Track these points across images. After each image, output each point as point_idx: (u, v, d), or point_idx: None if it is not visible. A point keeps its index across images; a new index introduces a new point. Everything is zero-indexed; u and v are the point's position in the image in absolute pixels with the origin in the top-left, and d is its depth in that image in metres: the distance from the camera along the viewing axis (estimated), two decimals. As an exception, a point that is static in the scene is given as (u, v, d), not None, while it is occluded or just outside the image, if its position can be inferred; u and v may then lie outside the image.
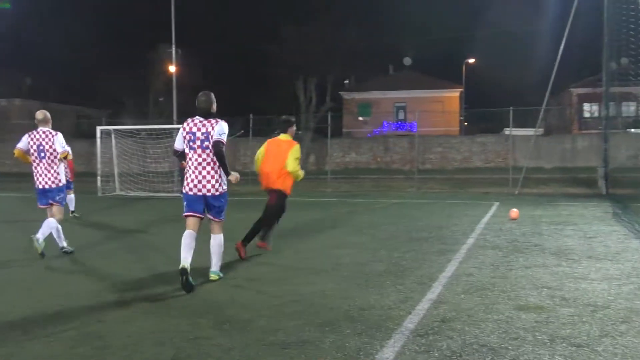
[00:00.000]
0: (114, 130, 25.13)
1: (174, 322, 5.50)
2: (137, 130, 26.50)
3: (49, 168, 8.91)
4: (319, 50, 41.30)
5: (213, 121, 7.01)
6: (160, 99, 53.77)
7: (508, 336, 5.01)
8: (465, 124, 68.93)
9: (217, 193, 7.05)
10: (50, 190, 8.96)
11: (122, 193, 24.11)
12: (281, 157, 8.81)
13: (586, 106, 52.44)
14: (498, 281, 7.03)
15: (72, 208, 14.93)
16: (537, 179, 28.15)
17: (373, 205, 18.34)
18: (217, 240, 7.28)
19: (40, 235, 8.74)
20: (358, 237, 10.97)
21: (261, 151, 9.13)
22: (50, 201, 9.01)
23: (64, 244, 9.30)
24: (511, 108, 24.57)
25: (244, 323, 5.46)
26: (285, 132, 9.27)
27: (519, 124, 57.33)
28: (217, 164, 6.98)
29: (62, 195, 9.05)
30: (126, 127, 25.55)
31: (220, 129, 6.96)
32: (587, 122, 52.05)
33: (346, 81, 57.96)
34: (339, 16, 42.37)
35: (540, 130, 43.56)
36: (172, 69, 41.55)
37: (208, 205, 7.11)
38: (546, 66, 31.70)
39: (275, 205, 9.02)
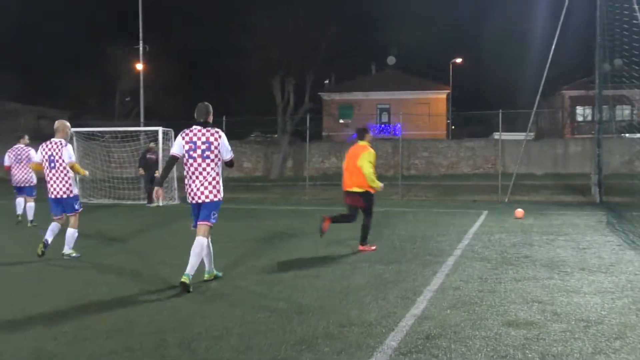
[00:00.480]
0: (76, 132, 24.87)
1: (137, 341, 5.43)
2: (101, 132, 26.25)
3: (60, 178, 9.84)
4: (297, 47, 41.36)
5: (213, 131, 7.84)
6: (127, 99, 53.44)
7: (496, 354, 5.02)
8: (453, 127, 69.36)
9: (215, 199, 7.80)
10: (61, 200, 9.91)
11: (84, 200, 23.87)
12: (357, 159, 10.47)
13: (579, 109, 53.02)
14: (486, 295, 7.05)
15: (30, 217, 14.75)
16: (527, 186, 28.40)
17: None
18: (199, 241, 7.73)
19: (66, 248, 10.04)
20: (337, 248, 10.96)
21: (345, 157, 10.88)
22: (63, 213, 10.02)
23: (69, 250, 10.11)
24: (500, 111, 24.71)
25: (213, 341, 5.41)
26: (362, 139, 10.90)
27: (509, 128, 57.75)
28: (216, 171, 7.79)
29: (75, 205, 10.04)
30: (89, 129, 25.28)
31: (227, 147, 7.87)
32: (580, 126, 52.64)
33: (326, 81, 58.05)
34: (318, 11, 42.52)
35: (531, 135, 44.01)
36: (140, 66, 41.27)
37: (199, 210, 7.82)
38: (537, 67, 32.01)
39: (367, 206, 10.78)
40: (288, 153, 44.50)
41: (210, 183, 7.77)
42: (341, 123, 53.50)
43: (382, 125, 56.10)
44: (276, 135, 45.99)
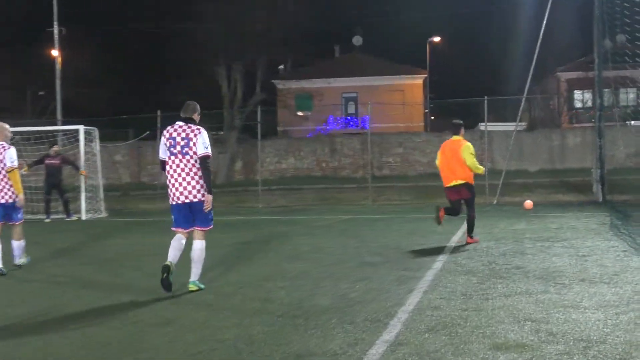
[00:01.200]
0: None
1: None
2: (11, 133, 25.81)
3: (2, 183, 10.85)
4: (244, 27, 41.25)
5: (194, 127, 8.77)
6: (41, 93, 52.71)
7: (482, 383, 5.06)
8: (432, 118, 70.05)
9: (203, 199, 8.72)
10: (3, 205, 10.88)
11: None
12: (457, 155, 12.85)
13: (577, 94, 53.81)
14: (471, 315, 7.11)
15: None
16: (519, 185, 28.76)
17: (316, 223, 18.36)
18: (198, 245, 8.85)
19: (17, 259, 11.22)
20: (296, 264, 10.96)
21: (438, 154, 13.38)
22: (5, 220, 10.98)
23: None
24: (486, 98, 24.98)
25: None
26: (457, 134, 13.52)
27: (497, 118, 58.57)
28: (198, 167, 8.64)
29: (18, 213, 11.02)
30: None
31: (203, 141, 8.66)
32: (578, 114, 53.48)
33: (281, 67, 58.05)
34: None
35: (523, 125, 44.59)
36: (55, 53, 40.68)
37: (194, 213, 8.81)
38: (528, 46, 32.42)
39: (470, 197, 13.02)
40: (236, 153, 44.36)
41: (197, 181, 8.69)
42: (299, 116, 53.58)
43: (348, 118, 56.32)
44: (222, 132, 45.77)
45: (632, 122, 43.13)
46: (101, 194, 23.03)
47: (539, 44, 23.12)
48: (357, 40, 62.38)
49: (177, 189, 8.71)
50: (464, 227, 15.95)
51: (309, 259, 11.39)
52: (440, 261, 10.76)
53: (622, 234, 13.57)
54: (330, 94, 53.71)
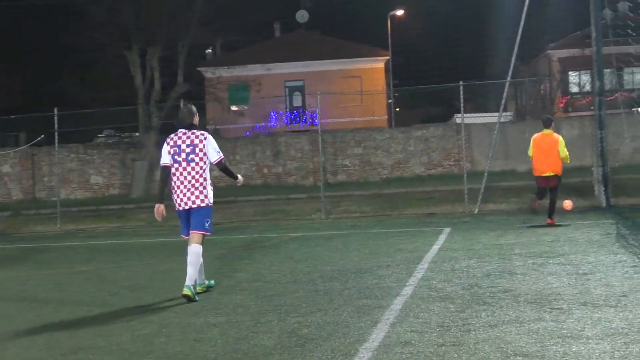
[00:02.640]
0: None
1: None
2: None
3: None
4: (158, 3, 41.04)
5: (198, 133, 10.70)
6: None
7: None
8: (397, 109, 70.38)
9: (203, 205, 10.70)
10: None
11: None
12: (554, 149, 17.65)
13: (572, 76, 54.47)
14: (449, 350, 7.15)
15: None
16: (505, 189, 28.98)
17: (257, 243, 18.31)
18: (193, 249, 10.62)
19: None
20: (232, 295, 10.92)
21: (533, 147, 18.00)
22: None
23: None
24: (461, 83, 25.15)
25: None
26: (549, 127, 18.13)
27: (477, 107, 59.20)
28: (203, 176, 10.67)
29: None
30: None
31: (213, 146, 10.73)
32: (575, 100, 54.17)
33: (208, 51, 57.86)
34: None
35: (508, 115, 45.05)
36: None
37: (190, 216, 10.76)
38: (512, 19, 32.75)
39: (558, 186, 18.04)
40: (156, 159, 43.95)
41: (197, 188, 10.65)
42: (233, 111, 53.43)
43: (294, 112, 56.36)
44: (137, 134, 45.44)
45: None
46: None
47: (523, 15, 23.31)
48: (302, 16, 62.41)
49: (181, 196, 10.72)
50: (441, 240, 16.13)
51: (248, 289, 11.36)
52: (410, 286, 10.79)
53: (630, 246, 13.76)
54: (270, 83, 53.68)
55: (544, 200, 18.36)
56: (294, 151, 44.69)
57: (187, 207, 10.70)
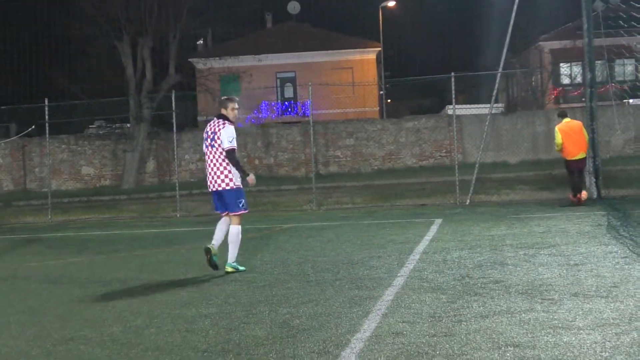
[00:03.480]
0: None
1: None
2: None
3: None
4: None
5: (221, 122, 11.97)
6: None
7: None
8: (388, 101, 70.42)
9: (228, 188, 11.90)
10: None
11: None
12: (581, 133, 20.56)
13: (564, 67, 54.58)
14: (441, 341, 7.14)
15: None
16: (497, 181, 29.08)
17: (248, 234, 18.25)
18: (232, 230, 11.97)
19: None
20: (224, 286, 10.92)
21: (561, 136, 20.27)
22: None
23: None
24: (453, 74, 25.16)
25: None
26: (565, 116, 20.80)
27: (468, 99, 59.25)
28: (226, 161, 11.80)
29: None
30: None
31: (228, 135, 11.79)
32: (566, 92, 54.26)
33: (200, 42, 57.73)
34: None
35: (499, 107, 45.09)
36: None
37: (222, 200, 12.04)
38: (504, 10, 32.78)
39: (585, 165, 20.90)
40: (147, 150, 43.98)
41: (221, 172, 11.90)
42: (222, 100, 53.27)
43: (286, 103, 56.31)
44: (128, 125, 45.35)
45: (631, 101, 43.82)
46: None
47: (515, 7, 23.33)
48: (294, 7, 62.40)
49: (209, 178, 12.07)
50: (433, 231, 16.14)
51: (239, 280, 11.35)
52: (402, 276, 10.80)
53: (621, 237, 13.77)
54: (261, 74, 53.65)
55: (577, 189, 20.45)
56: (286, 142, 44.68)
57: (213, 190, 12.01)
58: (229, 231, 12.02)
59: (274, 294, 10.00)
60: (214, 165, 11.92)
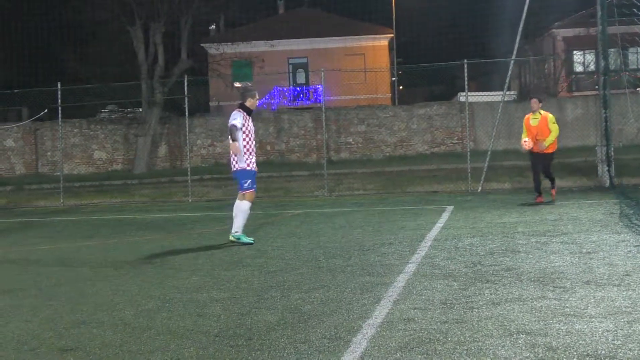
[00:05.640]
0: None
1: None
2: None
3: None
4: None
5: (235, 110, 13.74)
6: None
7: (468, 412, 5.08)
8: (400, 87, 70.30)
9: (234, 169, 13.65)
10: None
11: None
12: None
13: (577, 55, 54.33)
14: (452, 327, 7.15)
15: None
16: (509, 168, 28.97)
17: (260, 220, 18.31)
18: (237, 203, 13.65)
19: None
20: (235, 271, 10.93)
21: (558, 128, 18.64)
22: None
23: None
24: (465, 62, 25.09)
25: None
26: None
27: (481, 86, 59.07)
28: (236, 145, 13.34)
29: None
30: None
31: (232, 117, 13.52)
32: (579, 80, 54.04)
33: (212, 27, 57.68)
34: None
35: (512, 95, 44.99)
36: None
37: (235, 179, 13.91)
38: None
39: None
40: (159, 135, 44.02)
41: (232, 155, 13.58)
42: (237, 87, 53.21)
43: (297, 89, 56.26)
44: (140, 110, 45.39)
45: (644, 89, 43.67)
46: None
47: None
48: (306, -8, 62.32)
49: (230, 160, 13.75)
50: (444, 218, 16.14)
51: (250, 265, 11.36)
52: (413, 263, 10.80)
53: (634, 226, 13.76)
54: (274, 60, 53.55)
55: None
56: (297, 128, 44.67)
57: (232, 169, 13.73)
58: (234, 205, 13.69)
59: (285, 280, 10.01)
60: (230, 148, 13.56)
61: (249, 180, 13.54)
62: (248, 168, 13.57)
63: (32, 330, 7.86)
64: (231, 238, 13.63)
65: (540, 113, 18.08)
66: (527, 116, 18.55)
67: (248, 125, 13.71)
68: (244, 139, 13.55)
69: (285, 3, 64.45)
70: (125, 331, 7.69)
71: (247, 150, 13.61)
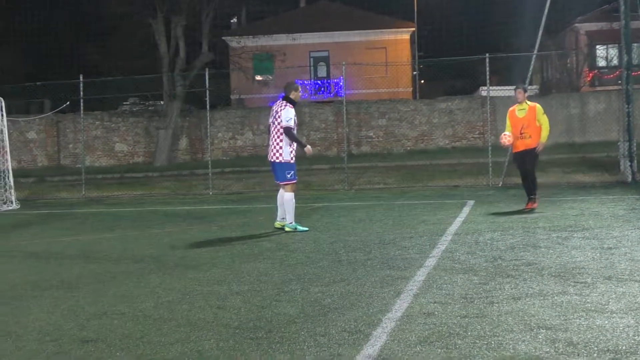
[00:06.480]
0: None
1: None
2: None
3: None
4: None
5: (284, 103, 14.20)
6: None
7: (487, 406, 5.08)
8: (422, 81, 70.17)
9: (277, 161, 14.15)
10: None
11: None
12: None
13: (600, 50, 54.06)
14: (472, 322, 7.14)
15: None
16: (530, 163, 28.85)
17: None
18: (285, 197, 14.15)
19: None
20: (255, 264, 10.96)
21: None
22: None
23: None
24: (487, 55, 25.03)
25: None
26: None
27: (502, 80, 58.81)
28: (280, 137, 14.05)
29: None
30: None
31: (286, 115, 13.98)
32: (602, 74, 53.79)
33: (233, 20, 57.70)
34: None
35: (533, 89, 44.79)
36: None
37: (274, 170, 14.38)
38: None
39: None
40: (180, 128, 44.11)
41: (275, 146, 14.14)
42: (258, 81, 53.35)
43: (318, 82, 56.23)
44: (162, 102, 45.49)
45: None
46: (11, 181, 22.77)
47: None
48: (328, -15, 62.28)
49: (268, 150, 14.47)
50: (465, 213, 16.12)
51: (271, 258, 11.39)
52: (433, 257, 10.80)
53: (656, 221, 13.72)
54: (295, 53, 53.53)
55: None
56: (318, 122, 44.65)
57: (270, 160, 14.32)
58: (282, 197, 14.23)
59: (305, 273, 10.03)
60: (273, 139, 14.17)
61: (292, 172, 14.14)
62: (292, 162, 14.17)
63: (54, 321, 7.91)
64: (287, 229, 14.17)
65: (527, 103, 16.32)
66: (511, 108, 16.77)
67: (296, 118, 14.27)
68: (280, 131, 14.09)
69: (307, -4, 64.45)
70: (145, 323, 7.72)
71: (292, 143, 14.16)
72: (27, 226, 17.92)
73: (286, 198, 14.09)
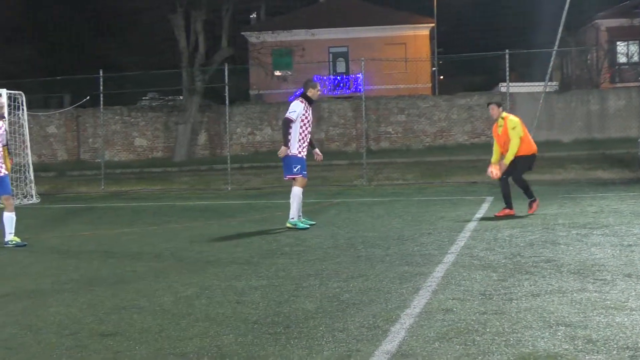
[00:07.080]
0: None
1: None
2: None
3: None
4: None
5: (297, 98, 14.39)
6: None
7: (506, 403, 5.07)
8: (441, 77, 70.04)
9: (287, 154, 14.17)
10: None
11: None
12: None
13: (620, 46, 53.80)
14: (491, 318, 7.13)
15: None
16: (549, 160, 28.77)
17: (299, 208, 18.36)
18: (293, 190, 14.12)
19: (8, 235, 13.18)
20: (274, 259, 10.97)
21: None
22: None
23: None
24: (507, 52, 24.96)
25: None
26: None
27: (522, 77, 58.68)
28: (289, 132, 14.12)
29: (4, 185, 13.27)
30: None
31: (292, 108, 14.11)
32: (622, 71, 53.55)
33: (253, 15, 57.75)
34: None
35: (553, 85, 44.63)
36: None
37: (283, 164, 14.51)
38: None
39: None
40: (199, 123, 44.19)
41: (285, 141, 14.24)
42: (277, 76, 53.33)
43: (338, 78, 56.20)
44: (181, 97, 45.59)
45: (688, 80, 43.18)
46: (31, 175, 22.90)
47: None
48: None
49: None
50: (484, 209, 16.08)
51: (289, 253, 11.40)
52: (452, 253, 10.79)
53: (676, 218, 13.66)
54: (314, 49, 53.51)
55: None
56: (337, 117, 44.63)
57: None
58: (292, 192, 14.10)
59: (324, 268, 10.03)
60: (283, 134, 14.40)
61: (299, 166, 14.09)
62: (299, 155, 14.12)
63: (73, 315, 7.95)
64: (288, 225, 14.09)
65: (502, 118, 15.23)
66: (494, 126, 15.74)
67: (308, 114, 14.22)
68: (301, 127, 14.10)
69: (326, -9, 64.41)
70: (164, 317, 7.75)
71: (302, 137, 14.16)
72: (47, 220, 18.02)
73: (293, 192, 14.05)
